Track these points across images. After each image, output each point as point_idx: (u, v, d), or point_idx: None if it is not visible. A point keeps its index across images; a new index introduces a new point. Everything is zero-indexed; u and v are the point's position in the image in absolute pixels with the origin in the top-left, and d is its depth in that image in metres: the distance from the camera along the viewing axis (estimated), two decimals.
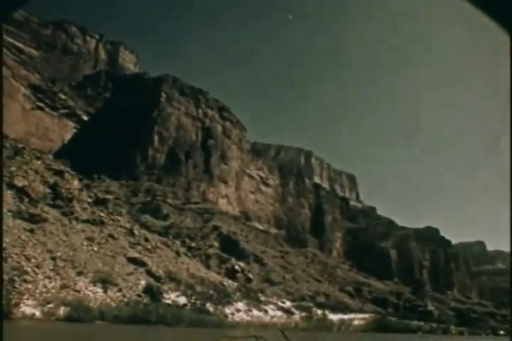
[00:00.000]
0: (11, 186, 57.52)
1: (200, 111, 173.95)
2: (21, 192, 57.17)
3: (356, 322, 60.53)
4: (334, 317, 63.40)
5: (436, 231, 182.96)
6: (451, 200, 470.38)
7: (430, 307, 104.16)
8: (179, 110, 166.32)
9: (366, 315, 68.16)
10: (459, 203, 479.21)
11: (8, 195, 54.99)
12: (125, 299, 43.47)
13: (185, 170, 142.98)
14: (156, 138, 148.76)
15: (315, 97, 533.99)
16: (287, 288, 78.83)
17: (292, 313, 61.13)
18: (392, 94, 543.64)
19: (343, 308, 71.07)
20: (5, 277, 35.19)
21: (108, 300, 41.32)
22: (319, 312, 61.75)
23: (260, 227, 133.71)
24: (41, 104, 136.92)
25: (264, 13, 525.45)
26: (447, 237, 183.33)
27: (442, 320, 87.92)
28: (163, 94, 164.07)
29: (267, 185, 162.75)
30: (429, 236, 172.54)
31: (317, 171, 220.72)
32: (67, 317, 32.61)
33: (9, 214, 49.99)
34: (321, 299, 78.87)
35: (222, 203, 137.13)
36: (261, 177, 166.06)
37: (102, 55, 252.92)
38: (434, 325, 76.45)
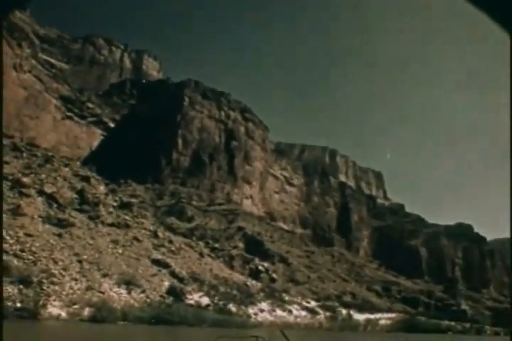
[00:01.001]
0: (41, 193, 60.14)
1: (222, 113, 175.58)
2: (50, 198, 59.64)
3: (383, 322, 59.36)
4: (360, 316, 62.46)
5: (469, 227, 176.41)
6: (485, 194, 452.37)
7: (464, 307, 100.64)
8: (202, 113, 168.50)
9: (394, 315, 66.71)
10: (493, 197, 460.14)
11: (39, 201, 57.54)
12: (148, 300, 44.52)
13: (210, 172, 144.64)
14: (180, 141, 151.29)
15: (338, 96, 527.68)
16: (312, 287, 78.27)
17: (317, 313, 60.66)
18: (418, 90, 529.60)
19: (370, 308, 69.85)
20: (34, 279, 36.88)
21: (132, 301, 42.45)
22: (344, 311, 61.00)
23: (285, 227, 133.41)
24: (70, 114, 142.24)
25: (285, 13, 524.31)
26: (481, 233, 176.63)
27: (476, 320, 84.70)
28: (186, 98, 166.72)
29: (291, 184, 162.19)
30: (462, 232, 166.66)
31: (342, 169, 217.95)
32: (91, 317, 33.80)
33: (39, 219, 52.30)
34: (348, 298, 77.81)
35: (247, 204, 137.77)
36: (285, 177, 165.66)
37: (127, 63, 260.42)
38: (468, 325, 73.73)
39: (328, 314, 59.49)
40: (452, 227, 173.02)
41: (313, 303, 65.59)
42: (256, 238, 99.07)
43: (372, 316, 62.85)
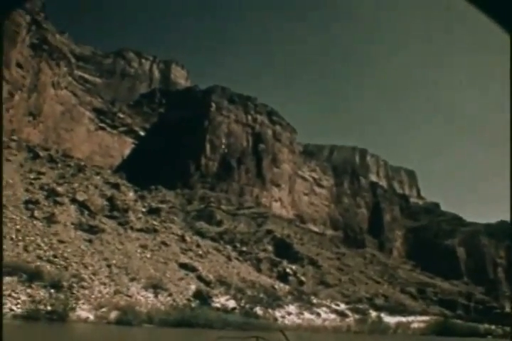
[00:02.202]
0: (74, 201, 62.96)
1: (249, 117, 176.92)
2: (82, 205, 62.30)
3: (416, 325, 57.49)
4: (392, 319, 60.81)
5: None
6: None
7: (508, 310, 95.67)
8: (229, 118, 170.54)
9: (428, 318, 64.41)
10: None
11: (71, 209, 60.28)
12: (175, 303, 45.46)
13: (238, 176, 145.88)
14: (208, 146, 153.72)
15: (367, 95, 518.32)
16: (343, 290, 77.07)
17: (346, 316, 59.65)
18: (451, 86, 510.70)
19: (402, 310, 67.88)
20: (65, 284, 38.66)
21: (158, 305, 43.52)
22: (374, 314, 59.57)
23: (315, 229, 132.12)
24: (103, 125, 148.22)
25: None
26: None
27: None
28: (213, 104, 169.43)
29: (320, 186, 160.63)
30: (504, 231, 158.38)
31: (373, 169, 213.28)
32: (117, 320, 34.96)
33: (71, 226, 54.77)
34: (380, 301, 76.01)
35: (276, 207, 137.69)
36: (314, 179, 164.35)
37: (156, 74, 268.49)
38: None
39: (357, 317, 58.39)
40: (493, 226, 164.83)
41: (342, 306, 64.56)
42: (285, 241, 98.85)
43: (404, 319, 61.03)
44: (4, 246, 42.07)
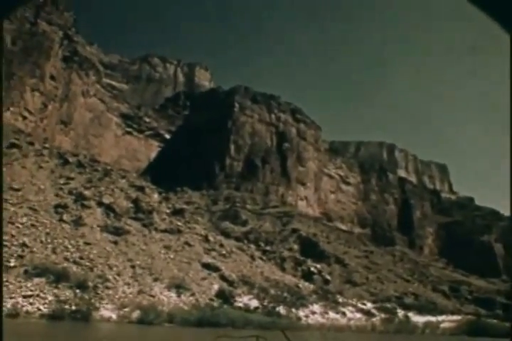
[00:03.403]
0: (100, 204, 65.10)
1: (273, 116, 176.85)
2: (108, 208, 64.31)
3: (446, 325, 55.57)
4: (421, 319, 59.09)
5: None
6: None
7: None
8: (252, 118, 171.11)
9: (459, 317, 62.12)
10: None
11: (98, 212, 62.35)
12: (197, 303, 46.10)
13: (263, 176, 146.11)
14: (232, 147, 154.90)
15: (392, 89, 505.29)
16: (371, 288, 75.65)
17: (373, 315, 58.49)
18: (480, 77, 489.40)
19: (432, 309, 65.83)
20: (90, 284, 40.07)
21: (181, 304, 44.28)
22: (402, 313, 58.04)
23: (343, 227, 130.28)
24: (130, 129, 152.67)
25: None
26: None
27: None
28: (236, 105, 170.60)
29: (347, 183, 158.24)
30: None
31: (402, 164, 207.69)
32: (139, 320, 35.86)
33: (98, 228, 56.66)
34: (409, 300, 74.05)
35: (302, 205, 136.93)
36: (340, 176, 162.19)
37: (180, 77, 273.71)
38: None
39: (384, 316, 57.15)
40: None
41: (369, 305, 63.36)
42: (311, 239, 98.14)
43: (433, 318, 59.13)
44: (34, 249, 44.10)
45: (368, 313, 59.07)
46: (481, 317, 68.78)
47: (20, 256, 41.32)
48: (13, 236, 45.44)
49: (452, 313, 67.55)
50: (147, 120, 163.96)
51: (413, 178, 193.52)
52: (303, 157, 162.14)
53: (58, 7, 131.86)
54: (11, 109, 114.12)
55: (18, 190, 59.75)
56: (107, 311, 36.14)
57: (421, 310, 65.83)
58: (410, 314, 60.35)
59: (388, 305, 64.19)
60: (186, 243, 63.60)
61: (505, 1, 2.56)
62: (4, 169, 66.57)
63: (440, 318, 59.90)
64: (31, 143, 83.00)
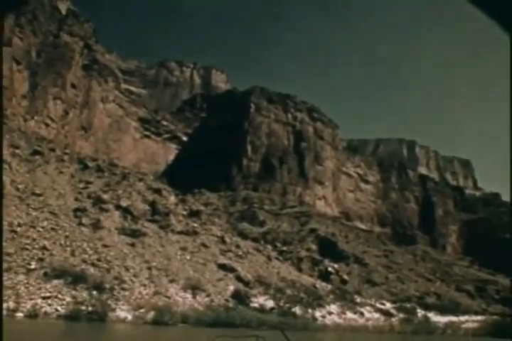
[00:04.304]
0: (118, 207, 66.52)
1: (289, 115, 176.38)
2: (126, 211, 65.65)
3: (468, 325, 54.07)
4: (441, 319, 57.75)
5: None
6: None
7: None
8: (269, 118, 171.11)
9: (483, 317, 60.33)
10: None
11: (115, 214, 63.73)
12: (213, 304, 46.49)
13: (280, 176, 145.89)
14: (249, 148, 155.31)
15: (410, 86, 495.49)
16: (390, 288, 74.43)
17: (392, 315, 57.58)
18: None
19: (454, 309, 64.20)
20: (107, 286, 41.05)
21: (196, 305, 44.78)
22: (422, 313, 56.85)
23: (362, 227, 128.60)
24: (148, 133, 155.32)
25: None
26: None
27: None
28: (252, 105, 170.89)
29: (366, 181, 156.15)
30: None
31: (423, 161, 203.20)
32: (154, 320, 36.49)
33: (115, 231, 57.92)
34: (431, 300, 72.49)
35: (320, 205, 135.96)
36: (359, 175, 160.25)
37: (197, 80, 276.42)
38: None
39: (403, 316, 56.14)
40: None
41: (388, 305, 62.40)
42: (329, 239, 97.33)
43: (455, 318, 57.66)
44: (54, 252, 45.51)
45: (386, 313, 58.21)
46: (508, 317, 66.58)
47: (41, 259, 42.72)
48: (34, 239, 47.02)
49: (476, 313, 65.70)
50: (165, 123, 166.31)
51: (435, 175, 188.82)
52: (320, 156, 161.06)
53: (79, 19, 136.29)
54: (35, 117, 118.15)
55: (39, 195, 61.73)
56: (122, 312, 36.93)
57: (443, 310, 64.34)
58: (430, 314, 59.08)
59: (408, 305, 63.04)
60: (202, 244, 64.23)
61: (505, 2, 2.57)
62: (27, 175, 68.93)
63: (463, 318, 58.38)
64: (53, 150, 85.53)
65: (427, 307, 63.76)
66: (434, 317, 58.07)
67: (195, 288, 48.51)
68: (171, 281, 48.37)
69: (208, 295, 48.35)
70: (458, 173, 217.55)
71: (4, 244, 43.66)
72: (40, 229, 49.92)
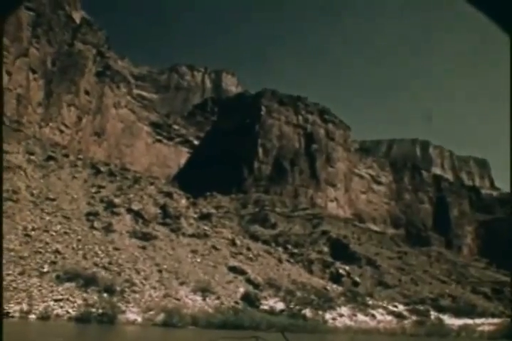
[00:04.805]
0: (129, 210, 67.47)
1: (300, 117, 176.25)
2: (137, 214, 66.54)
3: (484, 328, 53.00)
4: (456, 321, 56.75)
5: None
6: None
7: None
8: (279, 120, 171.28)
9: (500, 320, 59.03)
10: None
11: (127, 218, 64.67)
12: (222, 306, 46.72)
13: (292, 178, 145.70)
14: (260, 150, 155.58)
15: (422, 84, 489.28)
16: (404, 290, 73.50)
17: (404, 317, 56.87)
18: None
19: (470, 312, 63.00)
20: (117, 288, 41.69)
21: (206, 307, 45.08)
22: (435, 316, 55.98)
23: (375, 228, 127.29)
24: (159, 137, 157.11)
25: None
26: None
27: None
28: (263, 108, 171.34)
29: (379, 183, 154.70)
30: None
31: (437, 161, 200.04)
32: (163, 322, 36.91)
33: (126, 234, 58.77)
34: (446, 302, 71.29)
35: (332, 207, 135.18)
36: (372, 176, 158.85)
37: (208, 84, 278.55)
38: None
39: (416, 318, 55.38)
40: None
41: (401, 307, 61.64)
42: (341, 241, 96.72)
43: (471, 321, 56.58)
44: (66, 255, 46.45)
45: (399, 316, 57.53)
46: None
47: (53, 262, 43.65)
48: (47, 243, 48.08)
49: (493, 316, 64.35)
50: (176, 127, 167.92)
51: (450, 175, 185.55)
52: (332, 158, 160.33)
53: (92, 27, 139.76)
54: (50, 124, 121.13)
55: (53, 199, 63.08)
56: (132, 314, 37.46)
57: (457, 313, 63.22)
58: (444, 316, 58.13)
59: (421, 308, 62.15)
60: (213, 247, 64.59)
61: (504, 2, 2.59)
62: (42, 181, 70.55)
63: (479, 321, 57.23)
64: (66, 155, 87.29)
65: (441, 310, 62.77)
66: (448, 320, 57.13)
67: (205, 291, 48.83)
68: (182, 284, 48.81)
69: (218, 298, 48.61)
70: (474, 173, 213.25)
71: (18, 247, 44.78)
72: (53, 233, 51.01)
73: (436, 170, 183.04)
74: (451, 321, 56.65)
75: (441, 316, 58.66)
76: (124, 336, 30.75)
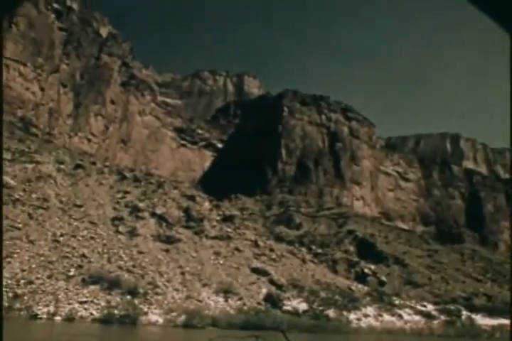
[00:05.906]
0: (153, 214, 69.03)
1: (323, 116, 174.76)
2: (161, 218, 67.97)
3: None
4: (490, 321, 54.45)
5: None
6: None
7: None
8: (302, 120, 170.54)
9: None
10: None
11: (151, 222, 66.18)
12: (245, 307, 46.93)
13: (316, 178, 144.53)
14: (283, 151, 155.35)
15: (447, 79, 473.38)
16: (434, 289, 71.25)
17: (433, 317, 55.13)
18: None
19: (506, 311, 60.19)
20: (140, 291, 42.75)
21: (228, 309, 45.44)
22: (467, 316, 53.88)
23: (403, 226, 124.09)
24: (184, 142, 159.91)
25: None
26: None
27: None
28: (285, 108, 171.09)
29: (406, 179, 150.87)
30: None
31: (469, 155, 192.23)
32: (184, 323, 37.53)
33: (150, 238, 60.14)
34: (480, 301, 68.56)
35: (358, 205, 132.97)
36: (399, 173, 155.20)
37: (230, 87, 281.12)
38: None
39: (445, 318, 53.55)
40: None
41: (430, 307, 59.79)
42: (368, 240, 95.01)
43: (506, 321, 54.06)
44: (92, 259, 48.09)
45: (427, 315, 55.82)
46: None
47: (80, 266, 45.31)
48: (74, 248, 49.97)
49: None
50: (200, 132, 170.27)
51: (483, 169, 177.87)
52: (357, 156, 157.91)
53: (117, 40, 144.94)
54: (79, 134, 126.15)
55: (80, 206, 65.50)
56: (154, 316, 38.31)
57: (492, 312, 60.62)
58: (477, 316, 55.88)
59: (452, 307, 60.03)
60: (236, 249, 65.01)
61: (505, 1, 2.61)
62: (70, 188, 73.36)
63: None
64: (94, 163, 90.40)
65: (474, 309, 60.37)
66: (481, 320, 54.89)
67: (227, 292, 49.22)
68: (204, 285, 49.41)
69: (240, 299, 48.86)
70: (510, 165, 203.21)
71: (47, 253, 46.77)
72: (80, 238, 52.92)
73: (469, 164, 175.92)
74: (484, 321, 54.42)
75: (474, 316, 56.44)
76: (153, 336, 31.52)
